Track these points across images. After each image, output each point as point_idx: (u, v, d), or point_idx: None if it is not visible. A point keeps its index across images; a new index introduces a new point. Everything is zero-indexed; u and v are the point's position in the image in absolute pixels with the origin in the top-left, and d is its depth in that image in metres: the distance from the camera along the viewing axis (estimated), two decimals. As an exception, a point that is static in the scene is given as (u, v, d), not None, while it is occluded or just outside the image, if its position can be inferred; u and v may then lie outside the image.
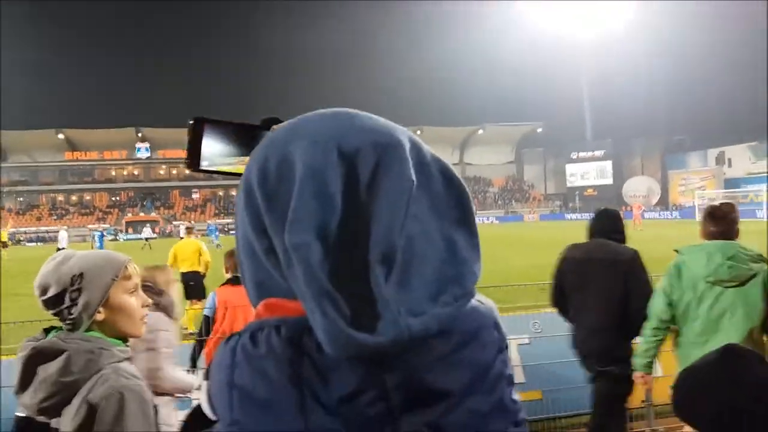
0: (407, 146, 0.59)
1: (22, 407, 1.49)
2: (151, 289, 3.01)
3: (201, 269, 10.12)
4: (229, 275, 4.72)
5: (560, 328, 5.28)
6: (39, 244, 53.24)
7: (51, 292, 1.51)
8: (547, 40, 75.46)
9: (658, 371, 5.56)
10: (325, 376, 0.54)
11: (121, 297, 1.57)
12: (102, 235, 33.78)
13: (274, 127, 0.73)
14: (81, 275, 1.51)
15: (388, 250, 0.54)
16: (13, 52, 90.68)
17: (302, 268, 0.53)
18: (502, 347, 0.62)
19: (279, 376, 0.54)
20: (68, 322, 1.52)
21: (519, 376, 5.32)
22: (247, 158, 0.68)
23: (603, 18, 70.44)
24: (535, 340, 5.42)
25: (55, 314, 1.54)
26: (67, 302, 1.50)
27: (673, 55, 71.22)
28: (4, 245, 33.70)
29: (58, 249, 28.61)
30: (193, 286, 9.93)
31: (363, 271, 0.53)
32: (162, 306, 3.17)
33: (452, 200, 0.61)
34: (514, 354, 5.15)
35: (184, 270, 9.83)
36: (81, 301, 1.50)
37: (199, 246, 10.38)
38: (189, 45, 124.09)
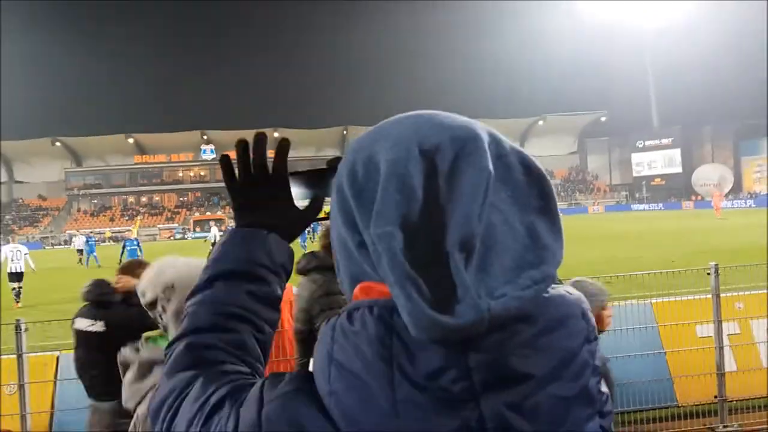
0: (485, 139, 0.63)
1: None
2: None
3: None
4: None
5: (627, 321, 5.20)
6: (111, 243, 55.63)
7: (148, 298, 1.67)
8: (609, 27, 73.20)
9: (732, 366, 5.38)
10: (412, 353, 0.57)
11: None
12: (88, 240, 29.69)
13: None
14: (172, 286, 1.64)
15: (466, 237, 0.56)
16: (85, 63, 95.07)
17: (387, 256, 0.56)
18: (590, 337, 0.63)
19: (371, 353, 0.57)
20: (161, 326, 1.68)
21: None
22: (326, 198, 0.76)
23: (666, 2, 67.89)
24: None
25: (153, 317, 1.70)
26: (159, 309, 1.66)
27: (742, 35, 67.77)
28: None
29: (79, 251, 29.55)
30: None
31: (444, 257, 0.55)
32: None
33: (533, 189, 0.63)
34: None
35: None
36: (170, 310, 1.64)
37: None
38: (252, 48, 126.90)
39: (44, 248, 58.51)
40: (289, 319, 4.51)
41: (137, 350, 1.69)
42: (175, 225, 67.73)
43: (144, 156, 76.17)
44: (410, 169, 0.60)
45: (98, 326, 3.60)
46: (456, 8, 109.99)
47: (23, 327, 4.79)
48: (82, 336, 3.67)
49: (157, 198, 76.54)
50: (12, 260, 15.39)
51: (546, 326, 0.60)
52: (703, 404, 5.12)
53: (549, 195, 0.64)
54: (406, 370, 0.57)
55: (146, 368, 1.60)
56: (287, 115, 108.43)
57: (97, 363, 3.46)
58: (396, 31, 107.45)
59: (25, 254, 15.76)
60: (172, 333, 1.65)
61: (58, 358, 5.16)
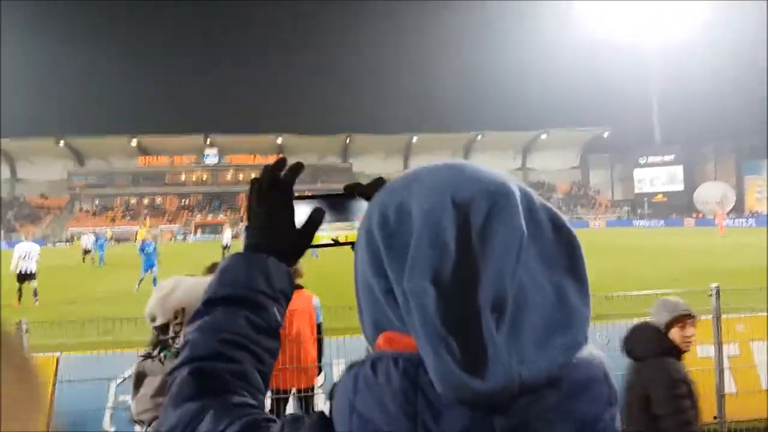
0: (518, 194, 0.62)
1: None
2: None
3: None
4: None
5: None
6: (112, 243, 55.67)
7: (158, 322, 1.67)
8: (612, 43, 73.53)
9: (732, 388, 5.39)
10: (438, 411, 0.56)
11: None
12: (96, 240, 29.42)
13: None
14: (183, 310, 1.65)
15: (498, 297, 0.56)
16: (92, 63, 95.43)
17: (419, 312, 0.56)
18: (612, 401, 0.63)
19: (396, 408, 0.57)
20: (174, 349, 1.68)
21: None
22: (336, 223, 0.77)
23: (670, 19, 68.21)
24: (603, 351, 5.32)
25: (163, 340, 1.69)
26: (171, 333, 1.67)
27: (745, 55, 68.05)
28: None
29: (85, 251, 29.08)
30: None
31: (475, 317, 0.55)
32: None
33: (561, 248, 0.63)
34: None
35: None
36: (183, 334, 1.64)
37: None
38: (256, 53, 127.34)
39: (46, 245, 58.68)
40: (304, 329, 4.54)
41: (161, 362, 1.68)
42: (176, 226, 67.73)
43: (147, 157, 76.34)
44: (444, 222, 0.59)
45: None
46: (461, 22, 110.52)
47: (24, 327, 4.79)
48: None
49: (159, 200, 76.66)
50: (25, 259, 14.87)
51: (571, 391, 0.59)
52: (703, 425, 5.13)
53: (578, 255, 0.64)
54: (430, 428, 0.56)
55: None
56: (291, 121, 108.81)
57: None
58: (401, 44, 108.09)
59: (37, 252, 15.31)
60: None
61: (58, 359, 5.16)
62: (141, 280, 16.72)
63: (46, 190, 74.83)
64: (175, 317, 1.65)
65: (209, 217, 71.23)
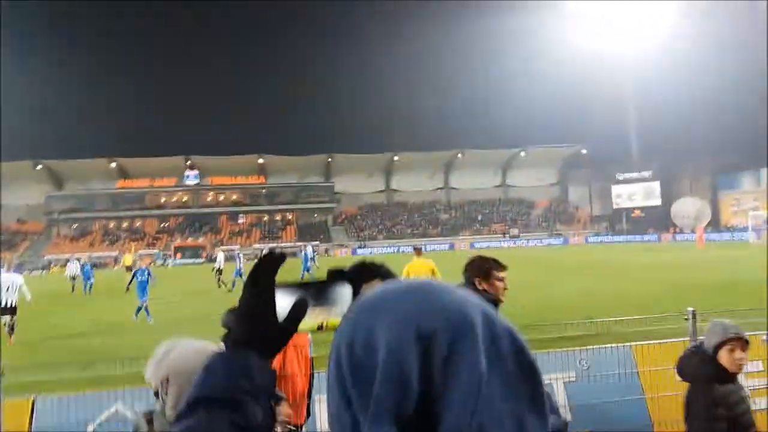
0: (479, 326, 0.64)
1: None
2: None
3: None
4: None
5: (608, 365, 5.26)
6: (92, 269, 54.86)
7: (153, 388, 1.74)
8: (589, 62, 74.72)
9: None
10: None
11: None
12: (83, 267, 28.12)
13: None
14: (167, 379, 1.68)
15: None
16: (68, 85, 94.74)
17: None
18: None
19: None
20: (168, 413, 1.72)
21: (565, 415, 5.29)
22: (317, 309, 0.79)
23: (645, 36, 69.64)
24: (583, 377, 5.37)
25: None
26: (161, 399, 1.71)
27: (720, 72, 69.52)
28: (129, 269, 34.16)
29: (72, 277, 28.13)
30: None
31: None
32: None
33: (524, 377, 0.64)
34: (560, 392, 5.12)
35: None
36: (168, 402, 1.69)
37: (433, 266, 10.67)
38: (236, 74, 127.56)
39: (21, 273, 57.48)
40: (294, 363, 4.51)
41: (149, 422, 1.72)
42: (156, 251, 66.93)
43: (126, 180, 75.63)
44: (408, 360, 0.61)
45: None
46: (438, 42, 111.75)
47: (-1, 372, 4.65)
48: None
49: (138, 223, 75.85)
50: (6, 291, 13.90)
51: None
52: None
53: (538, 384, 0.65)
54: None
55: None
56: (271, 142, 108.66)
57: None
58: (380, 64, 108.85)
59: (20, 285, 14.38)
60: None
61: (33, 402, 5.03)
62: (140, 309, 16.16)
63: (24, 215, 73.66)
64: (162, 385, 1.67)
65: (189, 240, 70.55)
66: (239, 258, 26.21)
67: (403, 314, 0.64)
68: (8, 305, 13.89)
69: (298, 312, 0.84)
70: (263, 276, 0.83)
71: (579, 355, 5.62)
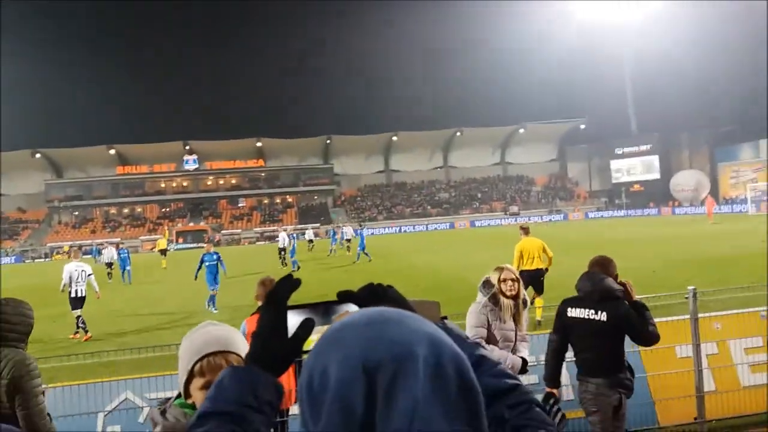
0: (421, 355, 0.70)
1: None
2: None
3: (544, 265, 10.81)
4: (260, 303, 4.87)
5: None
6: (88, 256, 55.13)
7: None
8: (587, 36, 74.11)
9: (712, 386, 5.62)
10: None
11: (195, 393, 1.69)
12: (120, 252, 26.47)
13: (333, 317, 0.97)
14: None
15: None
16: (66, 73, 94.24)
17: None
18: None
19: None
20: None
21: (568, 394, 5.45)
22: (325, 327, 0.85)
23: (642, 9, 68.98)
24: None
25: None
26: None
27: (719, 44, 68.96)
28: (163, 253, 34.78)
29: (108, 264, 26.63)
30: (540, 281, 10.78)
31: None
32: None
33: (462, 396, 0.70)
34: (563, 373, 5.26)
35: (529, 267, 10.54)
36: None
37: (543, 243, 10.94)
38: (233, 58, 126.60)
39: (24, 262, 57.74)
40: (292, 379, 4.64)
41: (162, 413, 1.66)
42: (158, 236, 67.08)
43: (126, 167, 75.46)
44: (354, 391, 0.68)
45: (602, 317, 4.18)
46: (436, 21, 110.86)
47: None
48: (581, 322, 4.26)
49: (139, 209, 75.90)
50: (77, 281, 12.70)
51: None
52: (684, 425, 5.35)
53: (479, 411, 0.72)
54: None
55: None
56: (270, 125, 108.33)
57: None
58: (377, 44, 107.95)
59: (89, 275, 13.02)
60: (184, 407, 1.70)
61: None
62: (212, 299, 14.98)
63: (24, 204, 73.67)
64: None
65: (191, 225, 70.64)
66: (291, 238, 26.90)
67: (354, 349, 0.71)
68: (77, 295, 12.66)
69: (305, 332, 0.93)
70: (278, 299, 0.94)
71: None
